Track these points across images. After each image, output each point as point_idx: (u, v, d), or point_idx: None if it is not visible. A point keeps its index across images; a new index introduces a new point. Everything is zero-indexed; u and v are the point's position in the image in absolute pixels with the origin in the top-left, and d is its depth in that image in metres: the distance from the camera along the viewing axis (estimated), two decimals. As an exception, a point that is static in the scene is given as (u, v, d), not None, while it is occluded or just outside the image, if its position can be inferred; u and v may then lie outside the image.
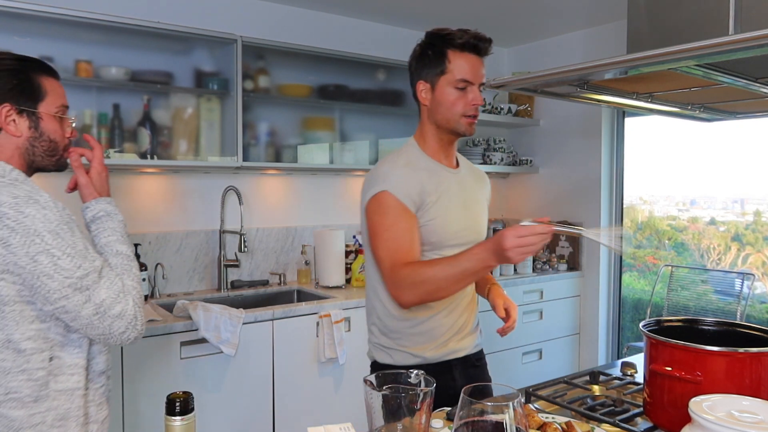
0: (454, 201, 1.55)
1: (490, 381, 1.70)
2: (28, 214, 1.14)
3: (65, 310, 1.17)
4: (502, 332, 1.65)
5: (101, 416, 1.30)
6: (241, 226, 2.88)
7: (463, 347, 1.61)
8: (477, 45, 1.52)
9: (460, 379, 1.59)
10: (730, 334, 1.24)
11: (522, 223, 1.26)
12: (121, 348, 2.16)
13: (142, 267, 2.70)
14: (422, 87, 1.56)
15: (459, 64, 1.51)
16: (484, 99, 3.63)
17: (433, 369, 1.52)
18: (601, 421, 1.21)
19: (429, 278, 1.33)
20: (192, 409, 0.82)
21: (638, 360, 1.57)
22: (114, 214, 1.34)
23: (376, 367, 1.63)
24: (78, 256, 1.17)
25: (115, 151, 2.51)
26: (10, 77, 1.26)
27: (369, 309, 1.65)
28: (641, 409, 1.25)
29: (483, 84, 1.55)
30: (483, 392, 0.88)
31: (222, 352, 2.31)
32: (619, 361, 1.65)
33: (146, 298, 2.71)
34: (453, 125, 1.54)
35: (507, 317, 1.64)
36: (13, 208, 1.13)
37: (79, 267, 1.17)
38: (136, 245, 2.74)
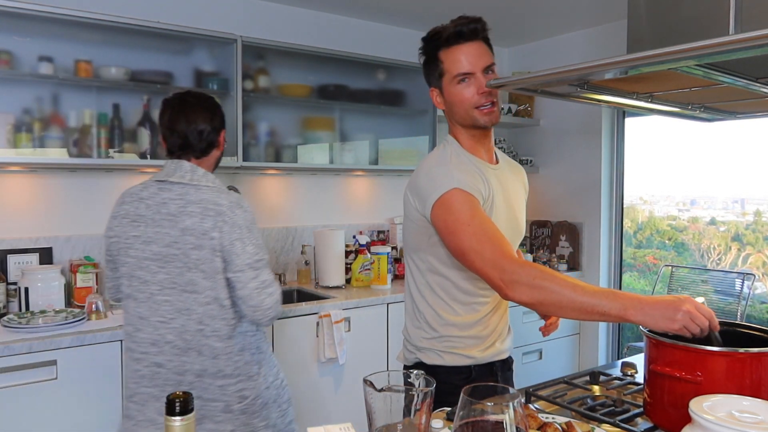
0: (498, 200, 1.50)
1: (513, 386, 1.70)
2: (237, 214, 1.67)
3: (239, 279, 1.66)
4: (545, 331, 1.67)
5: (264, 347, 1.83)
6: (241, 226, 2.87)
7: (504, 349, 1.61)
8: (461, 32, 1.43)
9: (501, 382, 1.60)
10: (730, 334, 1.24)
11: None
12: (121, 348, 2.16)
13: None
14: (434, 94, 1.52)
15: (451, 60, 1.45)
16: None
17: (479, 370, 1.53)
18: (601, 422, 1.21)
19: (553, 290, 1.20)
20: (192, 409, 0.82)
21: (638, 360, 1.57)
22: None
23: (420, 369, 1.62)
24: (258, 247, 1.70)
25: (114, 151, 2.51)
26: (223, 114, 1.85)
27: (413, 314, 1.57)
28: (641, 409, 1.25)
29: (488, 68, 1.46)
30: (483, 393, 0.88)
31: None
32: (620, 362, 1.65)
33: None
34: (471, 121, 1.48)
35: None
36: (229, 209, 1.67)
37: (257, 254, 1.68)
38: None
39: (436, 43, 1.47)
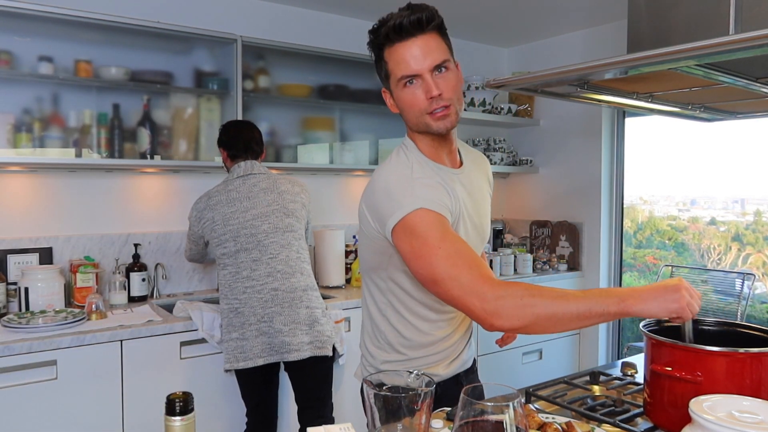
0: (465, 212, 1.36)
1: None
2: (306, 187, 2.49)
3: (309, 223, 2.50)
4: (502, 343, 1.61)
5: None
6: (241, 226, 2.88)
7: (469, 357, 1.53)
8: (401, 26, 1.21)
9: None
10: (730, 334, 1.24)
11: None
12: (121, 348, 2.17)
13: (143, 267, 2.70)
14: (387, 96, 1.35)
15: (394, 60, 1.24)
16: (475, 89, 3.63)
17: (444, 384, 1.43)
18: (601, 422, 1.21)
19: (545, 304, 1.08)
20: (192, 409, 0.82)
21: (638, 360, 1.57)
22: None
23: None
24: None
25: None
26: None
27: (373, 334, 1.44)
28: (641, 409, 1.25)
29: (440, 66, 1.24)
30: (482, 393, 0.88)
31: (222, 352, 2.31)
32: (620, 361, 1.65)
33: (146, 298, 2.71)
34: (424, 127, 1.30)
35: None
36: (303, 184, 2.46)
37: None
38: (136, 245, 2.74)
39: (379, 40, 1.26)
